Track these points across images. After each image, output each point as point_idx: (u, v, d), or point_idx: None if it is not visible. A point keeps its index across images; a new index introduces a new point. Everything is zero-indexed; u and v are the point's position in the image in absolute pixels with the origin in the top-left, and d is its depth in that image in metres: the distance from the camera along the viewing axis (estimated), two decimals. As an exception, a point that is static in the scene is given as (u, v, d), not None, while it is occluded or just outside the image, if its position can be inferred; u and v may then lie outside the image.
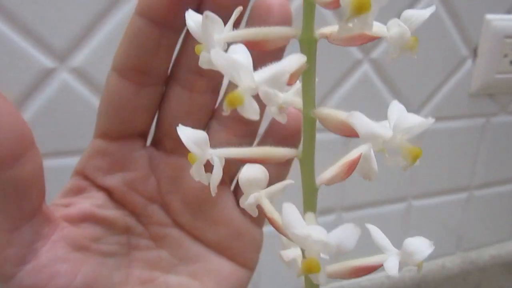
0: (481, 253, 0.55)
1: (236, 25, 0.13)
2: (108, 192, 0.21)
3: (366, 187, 0.46)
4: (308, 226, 0.11)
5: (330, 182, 0.14)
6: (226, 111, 0.11)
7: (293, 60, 0.11)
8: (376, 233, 0.12)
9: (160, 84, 0.20)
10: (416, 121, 0.11)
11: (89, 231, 0.20)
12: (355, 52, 0.40)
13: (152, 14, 0.18)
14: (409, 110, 0.44)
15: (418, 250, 0.12)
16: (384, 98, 0.43)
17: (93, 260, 0.20)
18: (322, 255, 0.10)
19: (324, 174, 0.14)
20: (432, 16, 0.47)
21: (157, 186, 0.22)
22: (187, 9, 0.16)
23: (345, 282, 0.48)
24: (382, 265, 0.13)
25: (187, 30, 0.20)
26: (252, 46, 0.12)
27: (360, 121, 0.11)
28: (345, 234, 0.10)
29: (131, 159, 0.21)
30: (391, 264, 0.12)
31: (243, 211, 0.22)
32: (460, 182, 0.51)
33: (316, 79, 0.13)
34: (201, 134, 0.13)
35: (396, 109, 0.12)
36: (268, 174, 0.15)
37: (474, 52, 0.46)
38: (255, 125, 0.22)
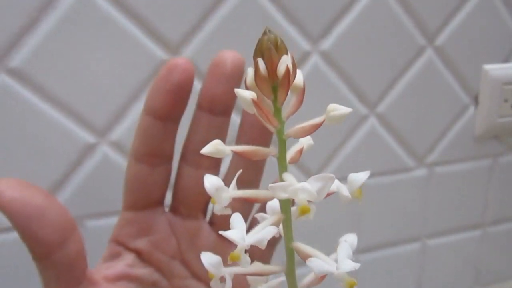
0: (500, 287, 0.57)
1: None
2: (138, 253, 0.26)
3: (380, 229, 0.50)
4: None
5: (308, 287, 0.18)
6: (229, 262, 0.16)
7: (270, 232, 0.16)
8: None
9: (169, 162, 0.26)
10: (350, 266, 0.16)
11: None
12: (361, 108, 0.45)
13: (157, 112, 0.23)
14: (414, 157, 0.48)
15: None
16: (392, 148, 0.47)
17: None
18: None
19: (304, 282, 0.19)
20: (432, 70, 0.51)
21: (177, 245, 0.26)
22: (183, 104, 0.23)
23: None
24: None
25: (192, 121, 0.26)
26: (247, 200, 0.19)
27: (314, 264, 0.16)
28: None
29: (154, 224, 0.26)
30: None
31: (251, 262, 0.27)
32: (473, 220, 0.54)
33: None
34: (216, 258, 0.18)
35: (343, 249, 0.17)
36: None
37: (476, 100, 0.49)
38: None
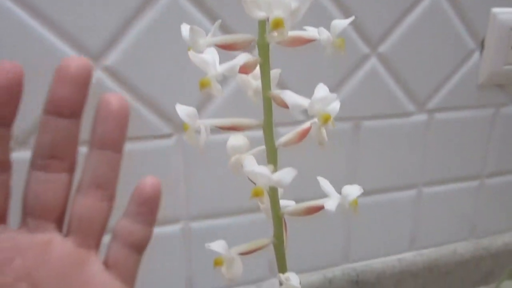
0: (494, 240, 0.56)
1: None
2: None
3: (376, 173, 0.49)
4: (259, 167, 0.15)
5: (286, 145, 0.18)
6: (201, 91, 0.16)
7: (242, 58, 0.16)
8: (324, 182, 0.16)
9: (5, 172, 0.23)
10: (323, 94, 0.16)
11: None
12: (363, 47, 0.43)
13: None
14: (415, 102, 0.47)
15: (350, 192, 0.17)
16: (392, 91, 0.46)
17: None
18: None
19: (282, 139, 0.18)
20: (438, 12, 0.49)
21: (22, 264, 0.24)
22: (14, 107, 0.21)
23: (358, 264, 0.51)
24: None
25: (40, 127, 0.23)
26: (225, 47, 0.17)
27: (288, 96, 0.16)
28: (284, 174, 0.14)
29: None
30: (331, 203, 0.16)
31: (111, 271, 0.25)
32: (471, 171, 0.53)
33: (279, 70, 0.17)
34: (192, 110, 0.18)
35: (320, 89, 0.16)
36: (248, 142, 0.19)
37: (481, 45, 0.48)
38: (110, 190, 0.24)
